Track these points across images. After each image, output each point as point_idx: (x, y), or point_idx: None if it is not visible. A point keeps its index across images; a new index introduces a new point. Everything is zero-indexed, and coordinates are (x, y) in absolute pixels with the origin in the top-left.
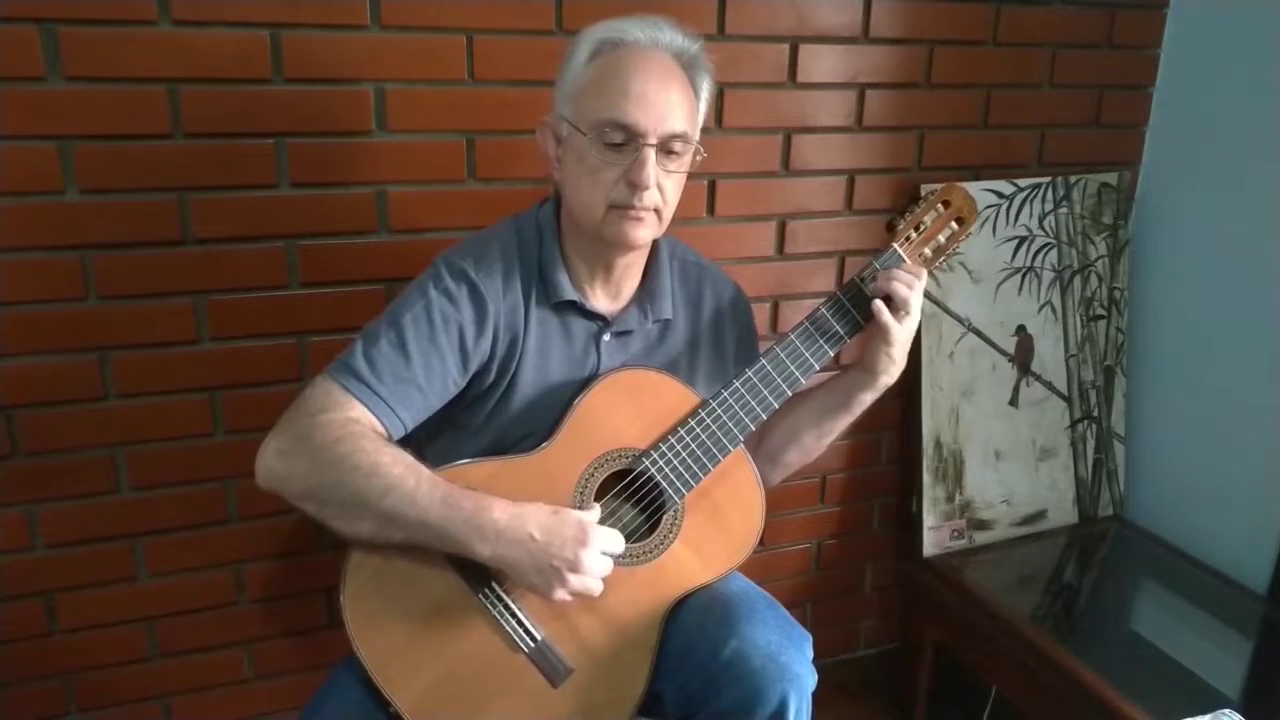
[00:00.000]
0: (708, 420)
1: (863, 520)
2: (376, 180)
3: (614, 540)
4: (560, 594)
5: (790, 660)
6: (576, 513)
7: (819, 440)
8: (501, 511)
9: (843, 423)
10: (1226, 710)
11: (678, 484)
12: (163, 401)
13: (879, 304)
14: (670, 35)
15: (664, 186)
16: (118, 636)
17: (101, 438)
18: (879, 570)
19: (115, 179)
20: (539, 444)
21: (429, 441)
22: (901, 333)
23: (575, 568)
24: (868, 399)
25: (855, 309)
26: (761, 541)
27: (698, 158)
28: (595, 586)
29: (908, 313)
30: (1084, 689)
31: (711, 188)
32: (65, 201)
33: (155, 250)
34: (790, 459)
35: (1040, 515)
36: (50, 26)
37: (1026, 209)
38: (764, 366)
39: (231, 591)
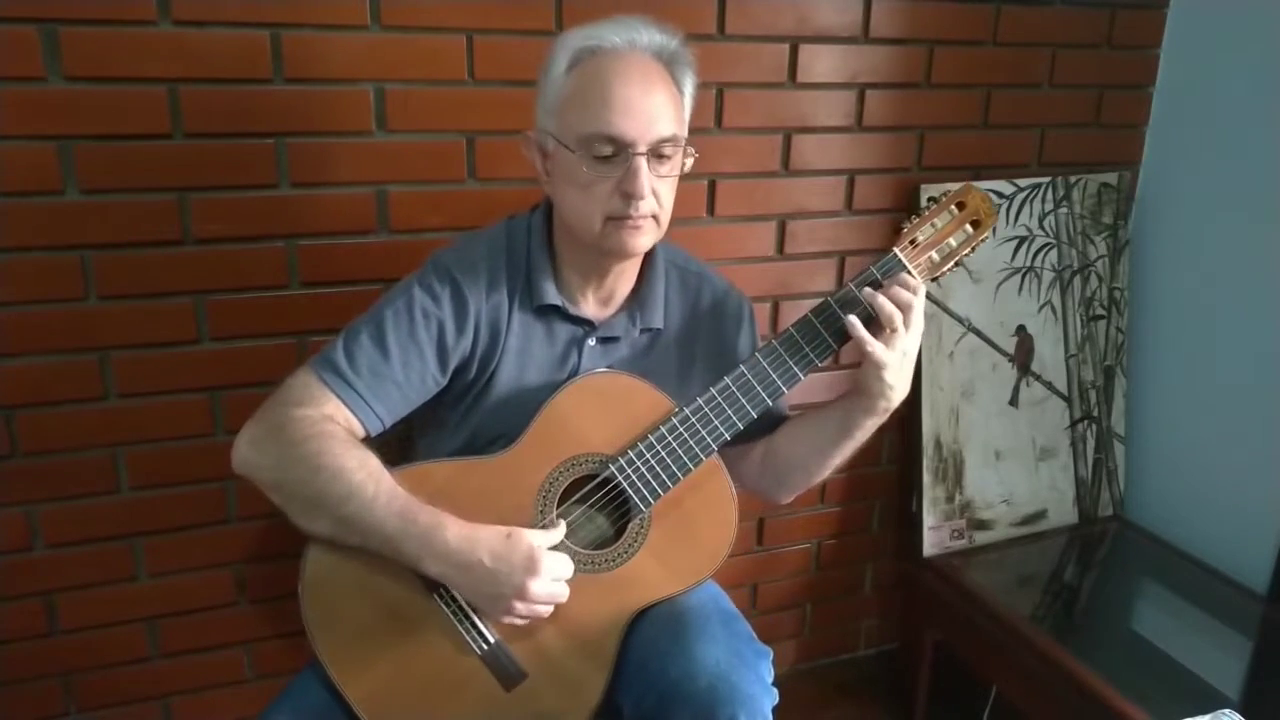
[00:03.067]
0: (679, 428)
1: (863, 520)
2: (376, 180)
3: (564, 567)
4: (507, 619)
5: (740, 679)
6: (529, 537)
7: (823, 464)
8: (455, 533)
9: (845, 448)
10: (1226, 710)
11: (645, 492)
12: (163, 401)
13: (853, 320)
14: (648, 35)
15: (658, 191)
16: (118, 636)
17: (101, 438)
18: (879, 570)
19: (115, 179)
20: (508, 446)
21: (421, 439)
22: (888, 355)
23: (522, 595)
24: (869, 423)
25: (846, 317)
26: (761, 541)
27: (688, 159)
28: (543, 612)
29: (894, 329)
30: (1084, 689)
31: (711, 188)
32: (65, 201)
33: (155, 250)
34: (796, 481)
35: (1040, 515)
36: (50, 26)
37: (1026, 209)
38: (744, 374)
39: (231, 591)
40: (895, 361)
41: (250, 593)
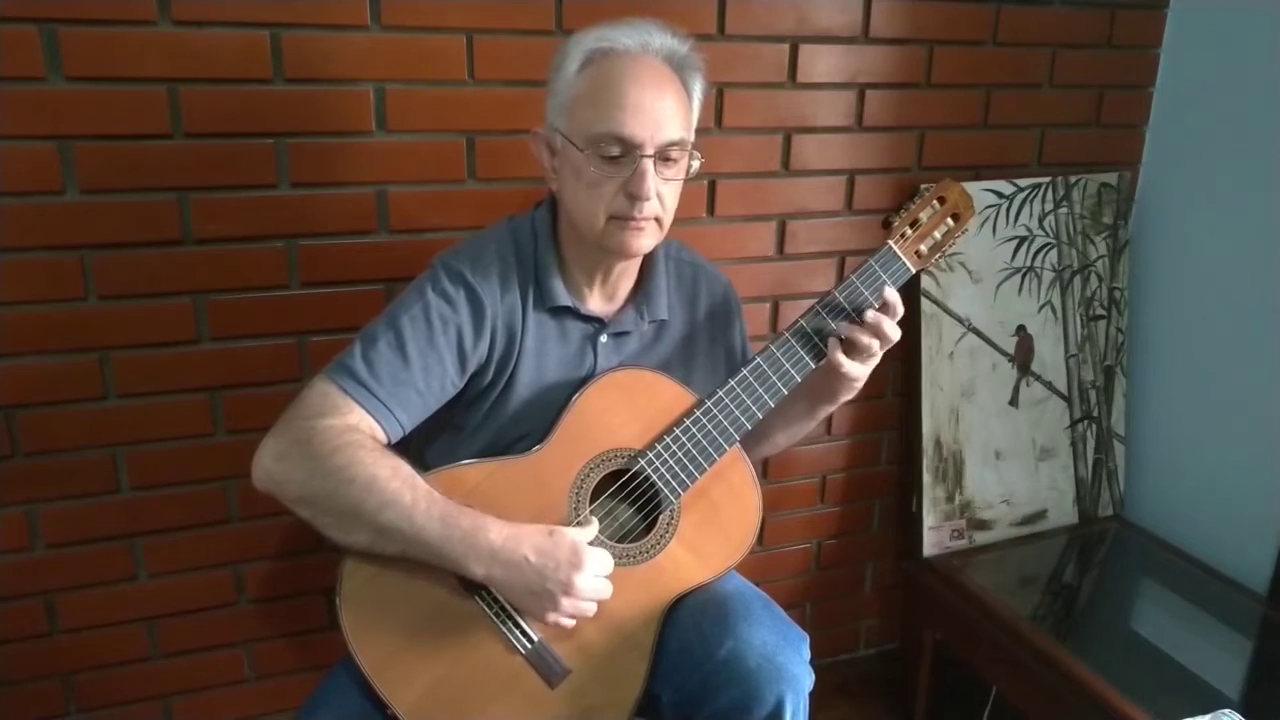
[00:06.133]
0: (703, 420)
1: (863, 520)
2: (376, 180)
3: (606, 562)
4: (553, 617)
5: (787, 660)
6: (572, 534)
7: (789, 439)
8: (498, 533)
9: (808, 426)
10: (1226, 710)
11: (674, 484)
12: (163, 401)
13: (836, 355)
14: (660, 39)
15: (663, 194)
16: (118, 636)
17: (101, 438)
18: (879, 570)
19: (115, 179)
20: (535, 445)
21: (428, 445)
22: (861, 370)
23: (568, 591)
24: (831, 409)
25: (850, 308)
26: (761, 541)
27: (694, 162)
28: (589, 609)
29: (870, 355)
30: (1084, 689)
31: (711, 188)
32: (65, 201)
33: (155, 250)
34: (762, 451)
35: (1040, 515)
36: (50, 26)
37: (1026, 209)
38: (759, 365)
39: (231, 591)
40: (865, 373)
41: (250, 593)
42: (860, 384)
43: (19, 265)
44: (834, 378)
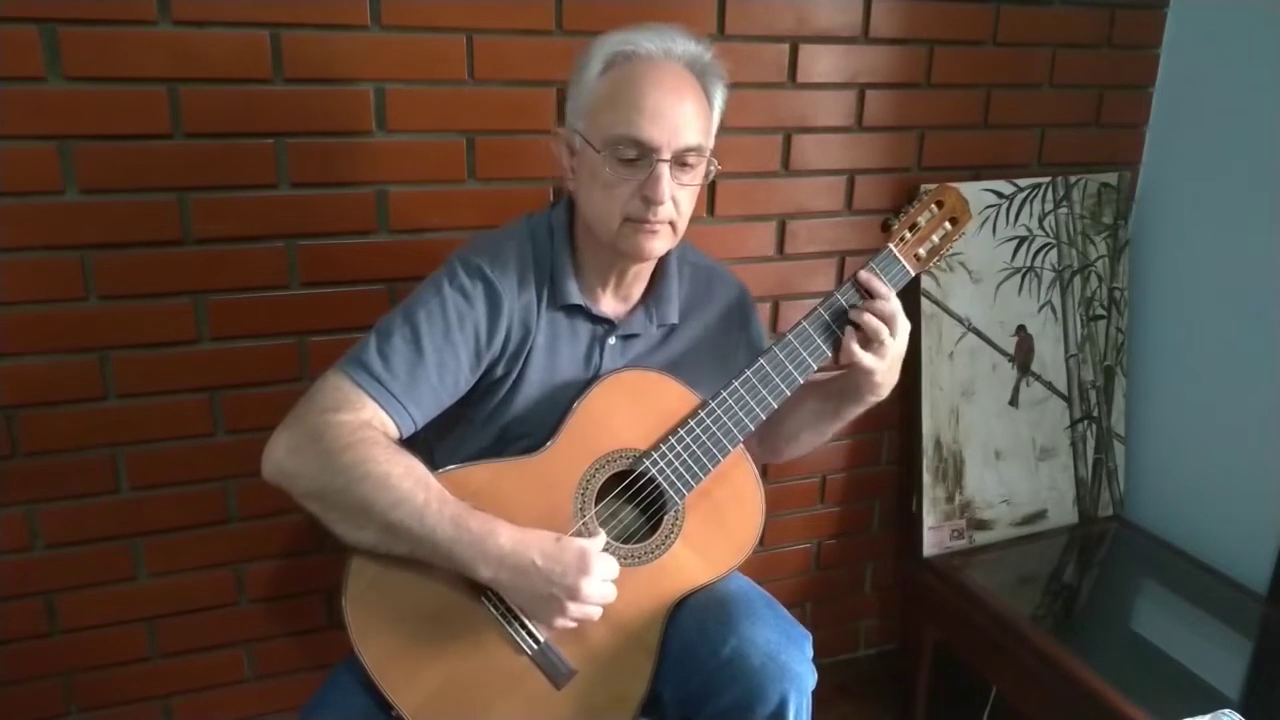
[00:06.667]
0: (707, 421)
1: (863, 520)
2: (376, 180)
3: (613, 567)
4: (560, 621)
5: (790, 659)
6: (579, 541)
7: (816, 439)
8: (507, 537)
9: (836, 426)
10: (1226, 710)
11: (678, 484)
12: (163, 401)
13: (850, 345)
14: (683, 44)
15: (678, 199)
16: (118, 636)
17: (101, 438)
18: (879, 570)
19: (115, 179)
20: (540, 444)
21: (439, 440)
22: (878, 363)
23: (575, 595)
24: (859, 410)
25: (853, 310)
26: (761, 541)
27: (711, 169)
28: (594, 614)
29: (881, 342)
30: (1084, 689)
31: (711, 188)
32: (65, 201)
33: (155, 250)
34: (788, 449)
35: (1040, 515)
36: (50, 26)
37: (1026, 209)
38: (762, 367)
39: (231, 591)
40: (884, 367)
41: (250, 593)
42: (880, 379)
43: (19, 265)
44: (856, 374)
